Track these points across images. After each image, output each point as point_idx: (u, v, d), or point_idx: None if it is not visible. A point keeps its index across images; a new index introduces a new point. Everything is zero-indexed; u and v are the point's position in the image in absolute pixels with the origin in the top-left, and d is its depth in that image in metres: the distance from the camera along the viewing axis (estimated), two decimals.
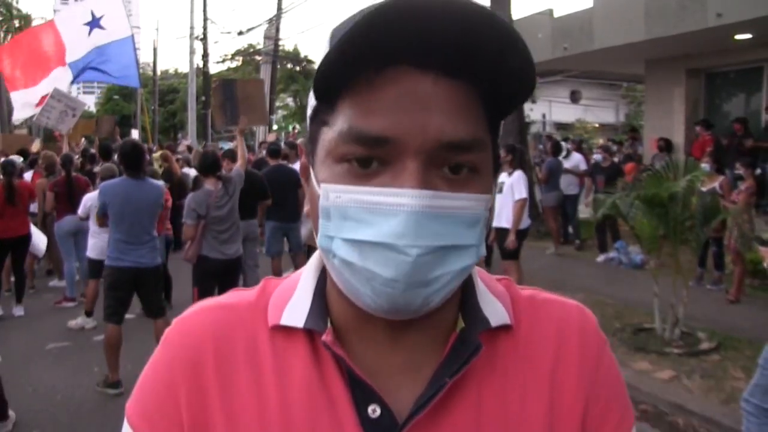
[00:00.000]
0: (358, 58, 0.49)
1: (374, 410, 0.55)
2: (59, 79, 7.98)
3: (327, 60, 0.49)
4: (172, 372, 0.59)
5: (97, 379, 4.34)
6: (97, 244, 5.53)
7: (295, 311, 0.59)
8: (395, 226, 0.48)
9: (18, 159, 7.65)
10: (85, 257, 5.77)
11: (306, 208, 0.59)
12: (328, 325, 0.57)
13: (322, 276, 0.61)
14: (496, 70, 0.50)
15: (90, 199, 5.54)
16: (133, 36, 8.52)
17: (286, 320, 0.58)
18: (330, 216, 0.52)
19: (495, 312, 0.60)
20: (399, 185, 0.49)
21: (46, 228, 7.30)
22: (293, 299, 0.60)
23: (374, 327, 0.57)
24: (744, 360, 4.27)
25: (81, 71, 8.13)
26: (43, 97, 7.61)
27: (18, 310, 6.14)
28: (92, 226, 5.53)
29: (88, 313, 5.70)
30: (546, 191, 9.07)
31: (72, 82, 8.41)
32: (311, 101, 0.56)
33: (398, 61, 0.50)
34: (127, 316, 4.41)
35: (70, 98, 7.14)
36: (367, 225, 0.49)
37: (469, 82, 0.51)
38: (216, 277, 4.71)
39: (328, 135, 0.53)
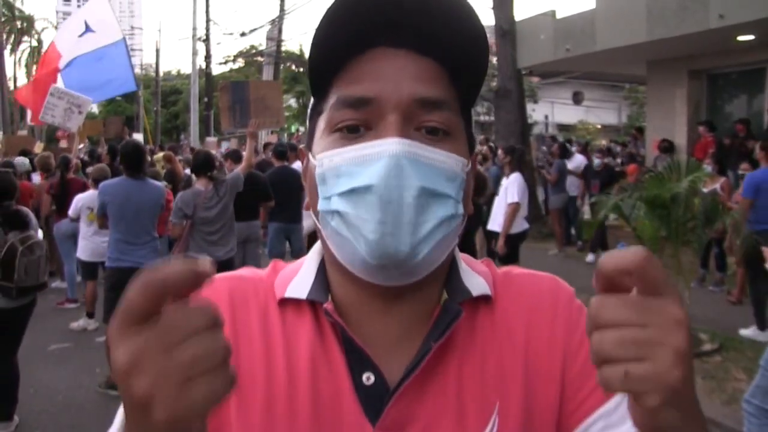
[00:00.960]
0: (341, 51, 0.57)
1: (368, 378, 0.58)
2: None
3: (313, 56, 0.58)
4: None
5: (99, 380, 4.35)
6: (87, 245, 5.54)
7: (300, 285, 0.63)
8: (380, 169, 0.54)
9: (24, 161, 7.67)
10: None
11: (306, 201, 0.63)
12: (329, 298, 0.62)
13: (324, 260, 0.66)
14: (455, 53, 0.58)
15: (81, 200, 5.55)
16: (124, 39, 8.48)
17: (290, 293, 0.63)
18: (326, 179, 0.58)
19: (476, 284, 0.64)
20: (383, 138, 0.56)
21: (48, 229, 7.32)
22: (298, 276, 0.65)
23: (369, 301, 0.61)
24: (746, 361, 4.26)
25: (75, 77, 8.08)
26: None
27: None
28: (83, 227, 5.54)
29: (90, 315, 5.71)
30: (553, 193, 9.07)
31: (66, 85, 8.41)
32: (311, 102, 0.64)
33: (375, 45, 0.58)
34: None
35: (72, 95, 7.09)
36: (357, 176, 0.55)
37: (436, 59, 0.59)
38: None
39: (323, 117, 0.60)
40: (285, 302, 0.63)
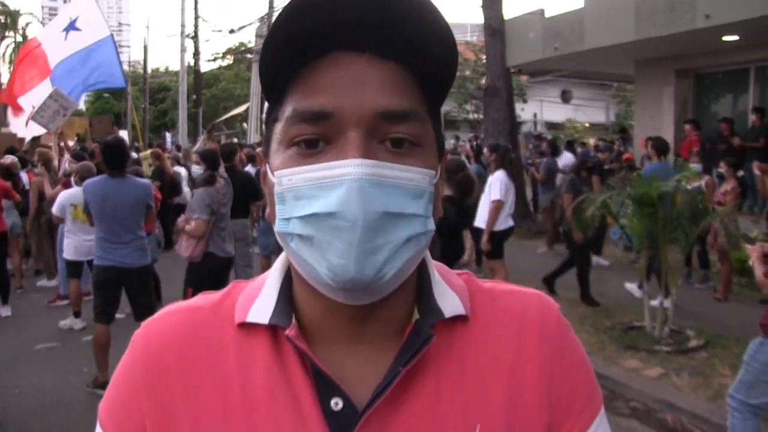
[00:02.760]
0: (295, 53, 0.53)
1: (336, 403, 0.56)
2: (42, 90, 7.89)
3: (265, 58, 0.54)
4: (134, 375, 0.61)
5: (87, 379, 4.31)
6: (71, 243, 5.52)
7: (261, 309, 0.60)
8: (341, 194, 0.51)
9: (12, 159, 7.57)
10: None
11: (267, 211, 0.60)
12: (293, 320, 0.59)
13: (288, 275, 0.63)
14: (419, 54, 0.54)
15: (64, 197, 5.51)
16: (112, 36, 8.42)
17: (251, 317, 0.60)
18: (285, 200, 0.54)
19: (449, 303, 0.61)
20: (343, 157, 0.52)
21: (39, 227, 7.24)
22: (260, 298, 0.61)
23: (337, 320, 0.58)
24: (731, 357, 4.32)
25: (64, 79, 7.99)
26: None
27: (4, 311, 6.09)
28: (67, 224, 5.51)
29: (76, 314, 5.66)
30: (544, 192, 9.11)
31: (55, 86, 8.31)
32: (266, 105, 0.60)
33: (333, 49, 0.54)
34: (118, 315, 4.38)
35: (66, 99, 7.07)
36: (317, 199, 0.52)
37: (399, 62, 0.55)
38: (215, 275, 4.64)
39: (278, 127, 0.56)
40: (243, 327, 0.60)
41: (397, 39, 0.53)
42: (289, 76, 0.55)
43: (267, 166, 0.59)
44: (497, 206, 5.66)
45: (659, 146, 6.94)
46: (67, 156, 6.94)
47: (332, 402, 0.56)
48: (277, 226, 0.55)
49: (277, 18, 0.52)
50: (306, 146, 0.54)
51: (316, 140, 0.54)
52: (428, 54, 0.55)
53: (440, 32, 0.54)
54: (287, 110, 0.55)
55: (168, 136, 21.20)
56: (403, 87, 0.55)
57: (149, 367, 0.60)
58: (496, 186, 5.70)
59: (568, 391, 0.61)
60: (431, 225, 0.56)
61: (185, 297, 4.53)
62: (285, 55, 0.53)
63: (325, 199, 0.51)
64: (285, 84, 0.55)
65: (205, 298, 0.65)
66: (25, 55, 8.42)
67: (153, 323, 0.64)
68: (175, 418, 0.58)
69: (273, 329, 0.59)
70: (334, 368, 0.57)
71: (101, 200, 4.13)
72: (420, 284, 0.62)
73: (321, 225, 0.51)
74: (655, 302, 5.05)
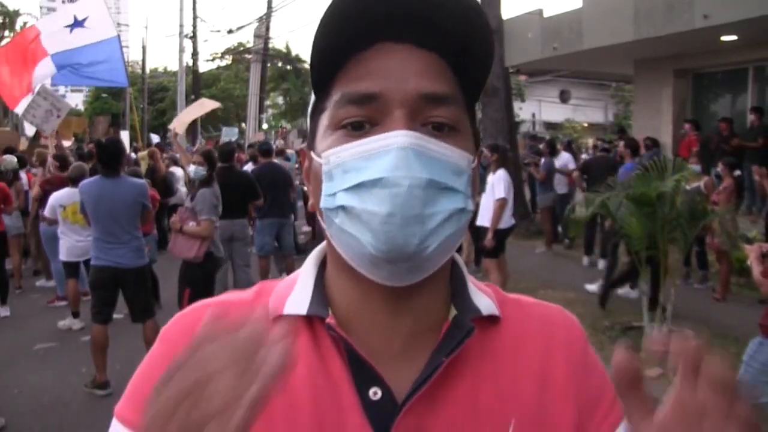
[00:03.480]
0: (343, 46, 0.56)
1: (375, 393, 0.57)
2: (42, 67, 7.84)
3: (314, 52, 0.57)
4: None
5: (85, 379, 4.31)
6: (64, 244, 5.54)
7: (297, 301, 0.61)
8: (388, 161, 0.53)
9: (12, 159, 7.56)
10: None
11: (310, 202, 0.61)
12: (329, 312, 0.60)
13: (321, 269, 0.64)
14: (457, 47, 0.58)
15: (54, 199, 5.51)
16: (119, 36, 8.44)
17: (288, 309, 0.61)
18: (332, 176, 0.56)
19: (484, 303, 0.63)
20: (390, 131, 0.55)
21: (35, 228, 7.23)
22: (295, 291, 0.63)
23: (373, 310, 0.59)
24: (730, 357, 4.31)
25: (64, 68, 8.00)
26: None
27: (3, 311, 6.08)
28: (61, 226, 5.51)
29: (75, 314, 5.65)
30: (541, 192, 9.11)
31: (54, 83, 8.25)
32: (311, 100, 0.63)
33: (378, 40, 0.57)
34: (115, 316, 4.37)
35: (57, 98, 7.04)
36: (365, 169, 0.54)
37: (439, 53, 0.58)
38: (209, 274, 4.65)
39: (325, 115, 0.59)
40: (278, 321, 0.60)
41: (438, 32, 0.57)
42: (336, 67, 0.58)
43: (312, 154, 0.60)
44: (503, 204, 5.71)
45: (632, 146, 7.03)
46: (49, 159, 6.90)
47: (371, 391, 0.57)
48: (323, 203, 0.57)
49: (327, 13, 0.55)
50: (352, 128, 0.56)
51: (362, 123, 0.56)
52: (464, 46, 0.57)
53: (477, 26, 0.57)
54: (334, 97, 0.58)
55: (153, 137, 21.05)
56: (442, 75, 0.58)
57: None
58: (499, 185, 5.74)
59: (594, 394, 0.63)
60: (471, 205, 0.58)
61: (182, 298, 4.53)
62: (334, 49, 0.56)
63: (372, 168, 0.53)
64: (332, 75, 0.58)
65: (235, 295, 0.66)
66: (23, 49, 8.32)
67: (186, 316, 0.63)
68: None
69: (310, 320, 0.60)
70: (371, 358, 0.57)
71: (96, 200, 4.12)
72: (453, 283, 0.64)
73: (368, 193, 0.53)
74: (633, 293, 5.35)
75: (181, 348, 0.57)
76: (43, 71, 7.67)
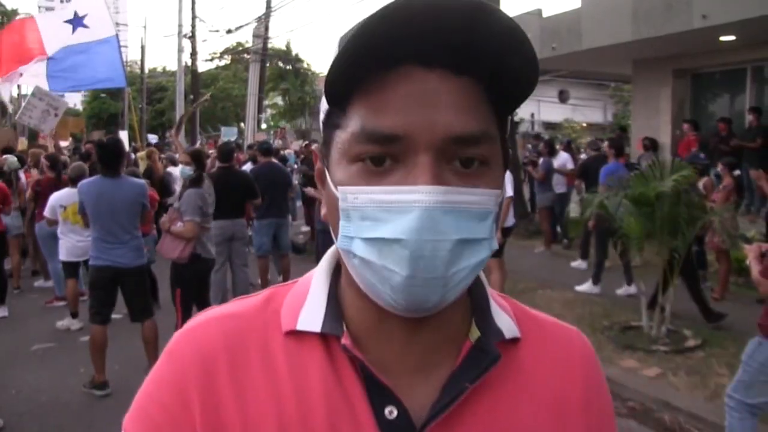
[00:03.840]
0: (365, 61, 0.51)
1: (391, 412, 0.56)
2: (39, 67, 7.77)
3: (335, 64, 0.51)
4: (183, 382, 0.58)
5: (84, 380, 4.30)
6: (63, 244, 5.53)
7: (310, 316, 0.59)
8: (410, 222, 0.50)
9: (13, 159, 7.54)
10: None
11: (323, 211, 0.59)
12: (344, 328, 0.58)
13: (334, 279, 0.62)
14: (497, 68, 0.52)
15: (54, 199, 5.51)
16: (117, 35, 8.40)
17: (302, 325, 0.59)
18: (350, 217, 0.53)
19: (506, 324, 0.62)
20: (413, 182, 0.51)
21: (32, 229, 7.22)
22: (307, 304, 0.60)
23: (389, 328, 0.58)
24: (728, 357, 4.33)
25: (61, 71, 7.92)
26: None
27: (1, 311, 6.07)
28: (60, 226, 5.50)
29: (73, 314, 5.64)
30: (540, 191, 9.11)
31: (52, 89, 8.17)
32: (323, 106, 0.58)
33: (404, 61, 0.52)
34: (114, 316, 4.37)
35: (52, 97, 7.01)
36: (384, 223, 0.51)
37: (474, 78, 0.53)
38: (200, 276, 4.62)
39: (342, 137, 0.55)
40: (293, 335, 0.59)
41: (472, 56, 0.51)
42: (355, 84, 0.53)
43: (327, 171, 0.58)
44: (509, 203, 5.78)
45: (617, 146, 7.06)
46: (42, 160, 6.88)
47: (386, 410, 0.56)
48: (340, 243, 0.54)
49: (353, 28, 0.52)
50: (372, 163, 0.52)
51: (383, 157, 0.52)
52: (507, 72, 0.53)
53: (520, 49, 0.52)
54: (353, 124, 0.53)
55: (150, 137, 21.03)
56: (476, 107, 0.53)
57: (199, 374, 0.57)
58: (506, 183, 5.78)
59: (603, 416, 0.65)
60: (495, 245, 0.55)
61: (174, 298, 4.54)
62: (353, 63, 0.51)
63: (393, 224, 0.50)
64: (350, 92, 0.53)
65: (244, 304, 0.63)
66: (20, 34, 8.21)
67: (196, 330, 0.61)
68: (227, 424, 0.56)
69: (324, 336, 0.59)
70: (386, 375, 0.56)
71: (96, 200, 4.12)
72: (474, 298, 0.62)
73: (387, 250, 0.51)
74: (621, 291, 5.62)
75: (189, 365, 0.58)
76: (37, 69, 7.58)
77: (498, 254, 5.89)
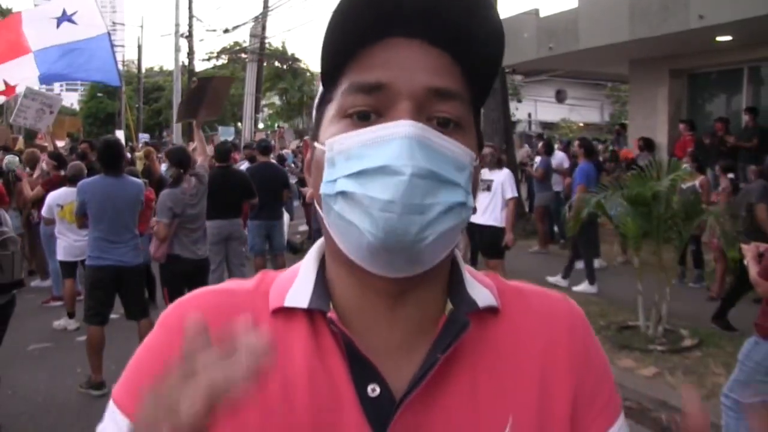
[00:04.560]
0: (353, 38, 0.56)
1: (373, 389, 0.56)
2: (21, 66, 7.65)
3: (324, 45, 0.57)
4: (171, 353, 0.59)
5: (81, 380, 4.29)
6: (61, 244, 5.52)
7: (299, 293, 0.61)
8: (392, 150, 0.53)
9: (13, 159, 7.51)
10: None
11: (309, 192, 0.62)
12: (330, 306, 0.59)
13: (323, 263, 0.64)
14: (468, 46, 0.57)
15: (51, 198, 5.49)
16: (109, 33, 8.31)
17: (289, 302, 0.61)
18: (335, 162, 0.56)
19: (481, 296, 0.63)
20: (394, 121, 0.55)
21: (32, 228, 7.20)
22: (296, 283, 0.62)
23: (374, 305, 0.59)
24: (725, 356, 4.34)
25: (52, 67, 7.82)
26: (12, 86, 7.34)
27: None
28: (58, 225, 5.49)
29: (70, 315, 5.63)
30: (539, 190, 9.15)
31: (42, 82, 8.08)
32: (318, 92, 0.63)
33: (388, 34, 0.57)
34: (111, 316, 4.35)
35: (45, 95, 6.95)
36: (368, 157, 0.54)
37: (448, 51, 0.58)
38: (186, 277, 4.53)
39: (332, 105, 0.59)
40: (278, 312, 0.61)
41: (448, 30, 0.56)
42: (345, 60, 0.58)
43: (315, 144, 0.60)
44: (516, 203, 5.83)
45: (586, 146, 7.12)
46: (44, 157, 6.85)
47: (369, 388, 0.56)
48: (323, 188, 0.56)
49: (335, 8, 0.55)
50: (358, 118, 0.56)
51: (368, 113, 0.56)
52: (476, 46, 0.57)
53: (491, 26, 0.57)
54: (343, 85, 0.58)
55: (141, 136, 20.94)
56: (450, 72, 0.58)
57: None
58: (512, 183, 5.81)
59: (592, 387, 0.63)
60: (471, 201, 0.57)
61: (163, 295, 4.55)
62: (345, 40, 0.56)
63: (376, 155, 0.53)
64: (341, 67, 0.58)
65: (237, 284, 0.66)
66: (7, 24, 8.07)
67: (185, 303, 0.64)
68: None
69: (310, 314, 0.60)
70: (370, 354, 0.57)
71: (102, 199, 4.11)
72: (451, 277, 0.64)
73: (369, 180, 0.53)
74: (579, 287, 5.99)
75: (180, 334, 0.58)
76: (24, 72, 7.44)
77: (501, 255, 5.91)
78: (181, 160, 4.76)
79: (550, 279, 6.75)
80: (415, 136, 0.53)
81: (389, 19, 0.56)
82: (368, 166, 0.53)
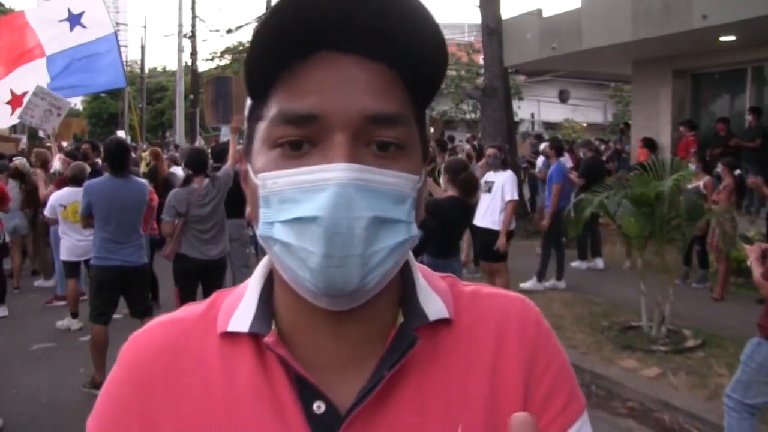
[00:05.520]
0: (280, 50, 0.52)
1: (319, 406, 0.56)
2: (31, 72, 7.65)
3: (251, 55, 0.53)
4: (122, 390, 0.61)
5: (83, 380, 4.30)
6: (65, 244, 5.52)
7: (242, 317, 0.60)
8: (325, 198, 0.50)
9: (22, 161, 7.55)
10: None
11: (248, 210, 0.59)
12: (273, 327, 0.59)
13: (268, 282, 0.63)
14: (408, 56, 0.54)
15: (54, 198, 5.51)
16: (116, 33, 8.31)
17: (232, 326, 0.60)
18: (269, 203, 0.54)
19: (434, 307, 0.61)
20: (329, 161, 0.51)
21: (36, 228, 7.23)
22: (240, 306, 0.62)
23: (318, 323, 0.58)
24: (727, 357, 4.33)
25: (62, 73, 7.82)
26: (19, 95, 7.35)
27: (1, 311, 6.06)
28: (61, 225, 5.50)
29: (73, 314, 5.64)
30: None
31: (53, 83, 8.08)
32: (248, 102, 0.59)
33: (320, 48, 0.53)
34: (114, 315, 4.36)
35: (54, 96, 6.96)
36: (301, 203, 0.51)
37: (388, 64, 0.54)
38: (196, 276, 4.61)
39: (262, 126, 0.56)
40: (226, 336, 0.60)
41: (385, 40, 0.52)
42: (274, 74, 0.54)
43: (249, 165, 0.58)
44: (515, 206, 5.77)
45: (557, 146, 7.15)
46: (58, 155, 6.87)
47: (314, 405, 0.56)
48: (261, 230, 0.55)
49: (265, 16, 0.52)
50: (290, 148, 0.53)
51: (301, 142, 0.53)
52: (417, 56, 0.54)
53: (430, 34, 0.53)
54: (272, 110, 0.54)
55: (169, 136, 21.11)
56: (391, 90, 0.54)
57: (136, 380, 0.61)
58: (512, 186, 5.75)
59: (548, 387, 0.61)
60: (414, 230, 0.55)
61: (175, 294, 4.61)
62: (270, 53, 0.52)
63: (310, 202, 0.51)
64: (270, 82, 0.54)
65: (189, 310, 0.65)
66: (6, 27, 8.01)
67: (139, 337, 0.64)
68: (159, 429, 0.58)
69: (255, 336, 0.59)
70: (316, 371, 0.57)
71: (110, 200, 4.13)
72: (403, 286, 0.62)
73: (304, 230, 0.51)
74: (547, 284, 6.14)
75: (132, 371, 0.61)
76: (34, 79, 7.43)
77: (503, 258, 5.86)
78: (192, 162, 4.82)
79: (547, 284, 6.72)
80: (351, 181, 0.50)
81: (321, 32, 0.52)
82: (303, 215, 0.51)
